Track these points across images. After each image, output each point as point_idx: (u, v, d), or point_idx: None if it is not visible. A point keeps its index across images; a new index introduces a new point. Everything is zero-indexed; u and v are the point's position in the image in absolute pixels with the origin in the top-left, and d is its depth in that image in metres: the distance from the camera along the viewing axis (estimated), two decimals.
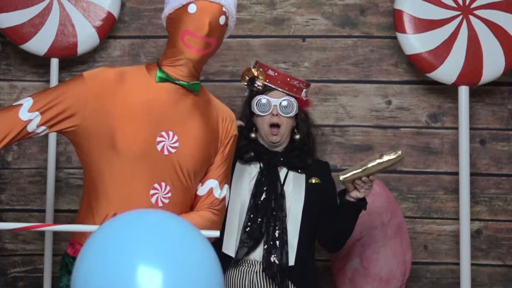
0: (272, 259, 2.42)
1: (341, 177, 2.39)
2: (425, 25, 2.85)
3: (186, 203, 2.14)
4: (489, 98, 3.04)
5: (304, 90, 2.58)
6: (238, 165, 2.56)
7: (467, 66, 2.84)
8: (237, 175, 2.53)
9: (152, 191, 2.04)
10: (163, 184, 2.05)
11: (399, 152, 2.37)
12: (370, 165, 2.36)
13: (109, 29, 3.01)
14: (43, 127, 2.03)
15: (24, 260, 3.09)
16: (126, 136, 2.02)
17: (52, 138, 2.97)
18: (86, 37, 2.97)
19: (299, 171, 2.57)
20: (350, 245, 2.79)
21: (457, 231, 2.93)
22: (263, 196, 2.49)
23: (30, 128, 2.02)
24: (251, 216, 2.47)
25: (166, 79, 2.08)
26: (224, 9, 2.08)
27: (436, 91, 3.03)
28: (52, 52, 2.96)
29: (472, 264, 2.87)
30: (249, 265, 2.46)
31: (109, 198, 2.03)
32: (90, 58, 3.10)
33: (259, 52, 3.06)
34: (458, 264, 2.90)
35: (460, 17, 2.85)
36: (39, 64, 3.09)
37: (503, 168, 3.02)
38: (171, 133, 2.06)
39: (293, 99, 2.54)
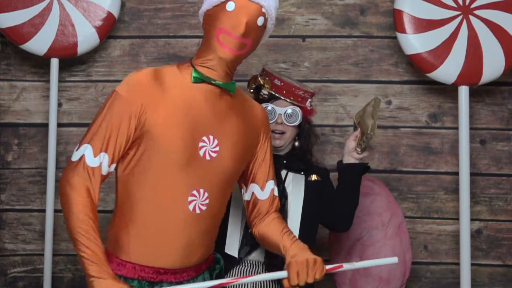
0: (273, 258, 2.43)
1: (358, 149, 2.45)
2: (425, 25, 2.85)
3: (222, 209, 2.12)
4: (489, 98, 3.04)
5: (309, 99, 2.59)
6: None
7: (467, 66, 2.84)
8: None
9: (190, 198, 1.99)
10: (201, 190, 2.00)
11: (372, 100, 2.45)
12: (369, 125, 2.40)
13: (109, 29, 3.01)
14: (114, 165, 1.98)
15: (24, 260, 3.09)
16: (169, 142, 1.96)
17: (52, 138, 2.98)
18: (86, 37, 2.97)
19: (302, 173, 2.58)
20: (350, 245, 2.79)
21: (457, 231, 2.93)
22: None
23: (104, 171, 1.96)
24: None
25: (202, 79, 2.01)
26: (263, 10, 1.99)
27: (436, 91, 3.04)
28: (52, 52, 2.96)
29: (472, 264, 2.87)
30: (251, 265, 2.46)
31: (144, 206, 1.99)
32: (90, 58, 3.10)
33: (259, 52, 3.05)
34: (458, 264, 2.90)
35: (460, 17, 2.85)
36: (39, 64, 3.09)
37: (503, 168, 3.02)
38: (211, 137, 2.01)
39: (298, 109, 2.54)
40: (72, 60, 3.08)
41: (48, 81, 3.04)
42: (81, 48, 2.98)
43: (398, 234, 2.84)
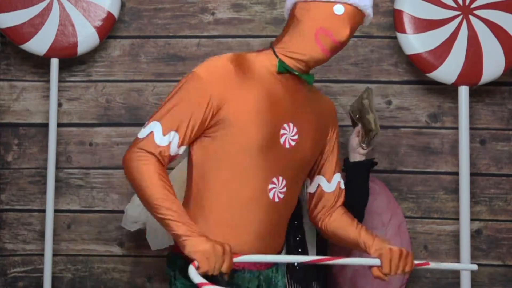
0: (296, 264, 2.44)
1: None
2: (425, 25, 2.85)
3: (295, 200, 2.11)
4: (489, 98, 3.04)
5: None
6: None
7: (467, 66, 2.84)
8: None
9: (270, 186, 1.98)
10: (280, 178, 1.99)
11: (364, 92, 2.46)
12: (371, 121, 2.40)
13: (109, 29, 3.01)
14: (183, 147, 1.93)
15: (24, 260, 3.09)
16: (251, 128, 1.93)
17: (52, 138, 2.98)
18: (86, 37, 2.97)
19: None
20: None
21: (457, 231, 2.93)
22: None
23: (173, 151, 1.91)
24: None
25: (286, 69, 2.00)
26: (364, 18, 2.02)
27: (436, 91, 3.03)
28: (52, 52, 2.96)
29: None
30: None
31: (224, 193, 1.95)
32: (90, 58, 3.10)
33: None
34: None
35: (460, 17, 2.85)
36: (39, 64, 3.09)
37: (503, 168, 3.02)
38: (291, 125, 2.00)
39: None
40: (72, 60, 3.08)
41: (48, 81, 3.04)
42: (81, 48, 2.98)
43: (398, 234, 2.84)
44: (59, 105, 3.07)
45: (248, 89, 1.93)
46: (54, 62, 2.99)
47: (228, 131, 1.93)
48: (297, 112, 2.02)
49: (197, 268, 1.79)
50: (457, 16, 2.85)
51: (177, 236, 1.84)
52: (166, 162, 1.91)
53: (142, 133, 1.91)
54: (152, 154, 1.88)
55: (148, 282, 3.05)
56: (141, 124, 3.05)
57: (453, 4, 2.85)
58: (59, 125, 3.05)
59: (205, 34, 3.09)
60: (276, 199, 1.99)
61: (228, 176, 1.95)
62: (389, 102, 3.04)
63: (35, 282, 3.08)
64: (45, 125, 3.04)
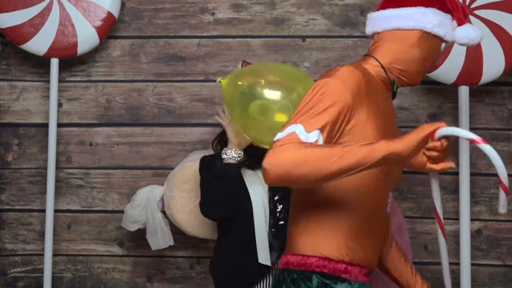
0: None
1: None
2: None
3: None
4: (489, 98, 3.04)
5: None
6: (247, 171, 2.56)
7: (467, 66, 2.84)
8: (251, 182, 2.52)
9: (388, 200, 2.01)
10: (390, 191, 2.03)
11: None
12: None
13: (109, 29, 3.01)
14: None
15: (24, 260, 3.09)
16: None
17: (52, 138, 2.98)
18: (86, 37, 2.97)
19: None
20: None
21: (457, 231, 2.93)
22: (279, 199, 2.49)
23: None
24: (276, 220, 2.48)
25: (396, 87, 2.03)
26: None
27: (436, 91, 3.04)
28: (52, 52, 2.97)
29: (472, 264, 2.87)
30: None
31: (356, 205, 1.90)
32: (90, 58, 3.10)
33: (259, 52, 3.06)
34: (458, 264, 2.90)
35: None
36: (39, 64, 3.09)
37: None
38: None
39: None
40: (72, 60, 3.08)
41: (48, 81, 3.04)
42: (81, 48, 2.98)
43: (398, 234, 2.84)
44: (59, 105, 3.07)
45: (371, 103, 1.92)
46: (54, 62, 2.99)
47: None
48: (395, 125, 2.08)
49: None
50: None
51: (397, 154, 1.74)
52: None
53: (281, 136, 1.76)
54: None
55: (148, 282, 3.05)
56: (141, 124, 3.09)
57: None
58: (59, 125, 3.05)
59: (205, 34, 3.09)
60: (388, 210, 2.03)
61: (359, 188, 1.91)
62: None
63: (35, 282, 3.08)
64: (45, 125, 3.04)
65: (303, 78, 2.43)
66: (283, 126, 1.79)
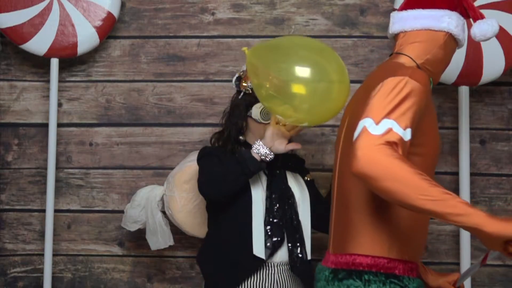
0: (296, 257, 2.47)
1: None
2: None
3: None
4: (489, 98, 3.04)
5: None
6: None
7: (467, 66, 2.83)
8: (251, 180, 2.50)
9: None
10: None
11: None
12: None
13: (109, 29, 3.01)
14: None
15: (24, 260, 3.09)
16: (434, 144, 1.99)
17: (52, 138, 2.98)
18: (86, 37, 2.97)
19: (297, 171, 2.61)
20: None
21: (457, 231, 2.93)
22: (276, 198, 2.49)
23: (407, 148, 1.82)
24: (271, 218, 2.48)
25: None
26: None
27: (436, 91, 3.03)
28: (52, 52, 2.97)
29: (472, 264, 2.87)
30: (275, 267, 2.47)
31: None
32: (90, 58, 3.10)
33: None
34: (458, 264, 2.90)
35: None
36: (39, 64, 3.09)
37: (503, 168, 3.02)
38: None
39: None
40: (72, 60, 3.08)
41: (48, 81, 3.04)
42: (81, 48, 2.98)
43: None
44: (59, 105, 3.07)
45: (431, 105, 2.00)
46: (54, 62, 2.99)
47: (423, 147, 1.94)
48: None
49: None
50: None
51: (472, 227, 1.67)
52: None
53: (377, 129, 1.75)
54: (398, 146, 1.75)
55: (148, 282, 3.05)
56: (141, 124, 3.09)
57: None
58: (59, 125, 3.05)
59: (205, 34, 3.09)
60: None
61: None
62: None
63: (35, 282, 3.08)
64: (45, 125, 3.04)
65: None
66: (365, 113, 1.79)
